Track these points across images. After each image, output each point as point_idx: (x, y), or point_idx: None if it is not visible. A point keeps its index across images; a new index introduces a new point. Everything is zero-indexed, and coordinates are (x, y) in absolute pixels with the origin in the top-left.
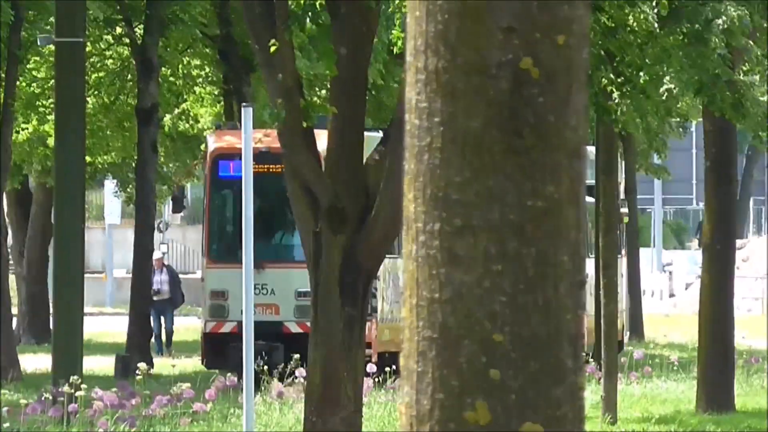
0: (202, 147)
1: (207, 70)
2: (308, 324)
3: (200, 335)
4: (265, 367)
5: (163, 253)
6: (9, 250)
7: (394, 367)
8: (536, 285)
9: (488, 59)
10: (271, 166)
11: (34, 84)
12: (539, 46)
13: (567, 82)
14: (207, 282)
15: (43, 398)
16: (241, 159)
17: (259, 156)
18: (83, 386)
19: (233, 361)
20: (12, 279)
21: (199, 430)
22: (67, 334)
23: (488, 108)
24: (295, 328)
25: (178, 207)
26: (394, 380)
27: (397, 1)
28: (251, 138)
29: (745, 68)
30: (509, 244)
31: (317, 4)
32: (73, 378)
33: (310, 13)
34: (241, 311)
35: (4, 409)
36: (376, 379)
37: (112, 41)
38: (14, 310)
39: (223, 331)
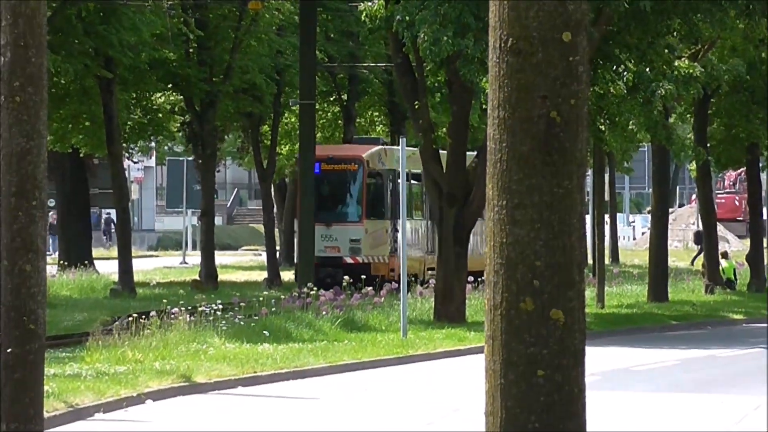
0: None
1: (381, 117)
2: (357, 258)
3: (295, 264)
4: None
5: None
6: (275, 215)
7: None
8: (558, 235)
9: (532, 112)
10: (335, 165)
11: (288, 125)
12: (561, 105)
13: (576, 125)
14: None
15: (293, 295)
16: (315, 162)
17: (329, 159)
18: (314, 289)
19: (313, 279)
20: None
21: (378, 312)
22: (305, 259)
23: (532, 140)
24: (349, 261)
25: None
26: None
27: (484, 80)
28: (405, 155)
29: (673, 116)
30: (544, 213)
31: (442, 82)
32: (309, 284)
33: (437, 87)
34: (319, 250)
35: (272, 300)
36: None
37: (327, 105)
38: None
39: None
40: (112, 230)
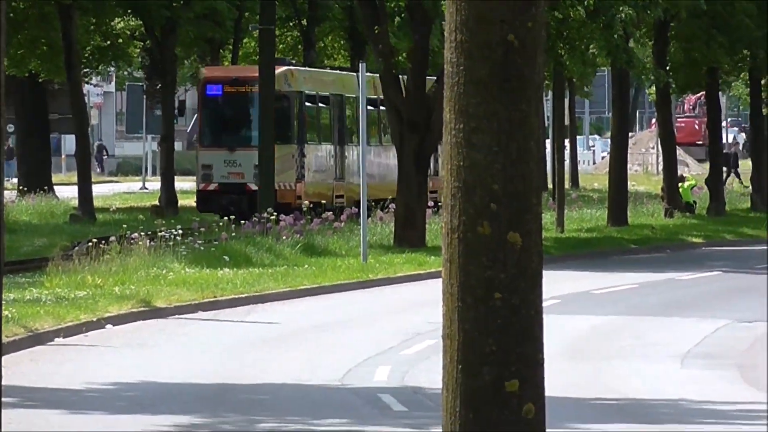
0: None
1: (341, 43)
2: None
3: (196, 191)
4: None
5: None
6: None
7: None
8: (516, 159)
9: (491, 37)
10: (239, 87)
11: (250, 48)
12: (518, 29)
13: (533, 48)
14: (200, 159)
15: (253, 220)
16: (218, 84)
17: (232, 81)
18: (274, 214)
19: (215, 207)
20: None
21: (338, 237)
22: (267, 188)
23: (491, 64)
24: (253, 187)
25: (181, 112)
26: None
27: (444, 5)
28: (365, 81)
29: (632, 41)
30: (501, 138)
31: (401, 6)
32: (269, 210)
33: (397, 12)
34: (221, 176)
35: (232, 225)
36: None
37: (287, 30)
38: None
39: (210, 189)
40: (105, 157)
